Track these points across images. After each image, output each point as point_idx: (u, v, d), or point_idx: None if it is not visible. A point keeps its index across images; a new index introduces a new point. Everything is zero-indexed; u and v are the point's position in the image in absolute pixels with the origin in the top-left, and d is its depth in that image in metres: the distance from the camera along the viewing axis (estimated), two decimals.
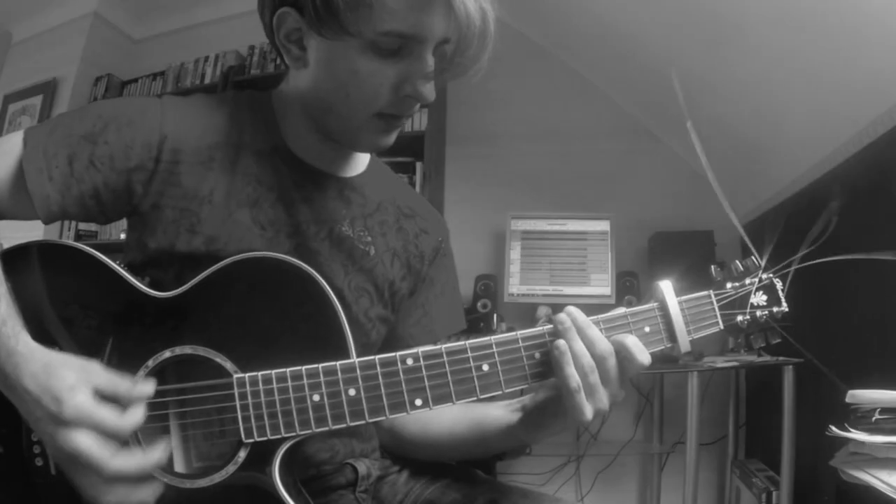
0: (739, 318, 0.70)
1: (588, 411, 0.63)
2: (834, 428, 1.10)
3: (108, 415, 0.56)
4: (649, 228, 2.43)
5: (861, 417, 1.12)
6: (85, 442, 0.54)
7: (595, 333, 0.64)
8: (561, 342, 0.63)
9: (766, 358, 1.80)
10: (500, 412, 0.76)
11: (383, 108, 0.71)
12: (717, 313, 0.70)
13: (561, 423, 0.68)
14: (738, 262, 0.72)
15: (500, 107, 2.77)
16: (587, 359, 0.63)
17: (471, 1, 0.64)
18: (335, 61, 0.69)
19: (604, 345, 0.64)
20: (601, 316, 0.66)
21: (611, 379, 0.64)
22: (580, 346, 0.63)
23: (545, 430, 0.71)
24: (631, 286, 2.33)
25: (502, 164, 2.74)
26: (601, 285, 2.35)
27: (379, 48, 0.66)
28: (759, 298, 0.71)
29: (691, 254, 2.19)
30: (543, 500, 0.73)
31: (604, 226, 2.41)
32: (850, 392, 1.16)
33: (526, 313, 2.43)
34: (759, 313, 0.71)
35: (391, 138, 0.77)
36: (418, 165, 2.59)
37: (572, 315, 0.65)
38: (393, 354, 0.63)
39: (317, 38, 0.68)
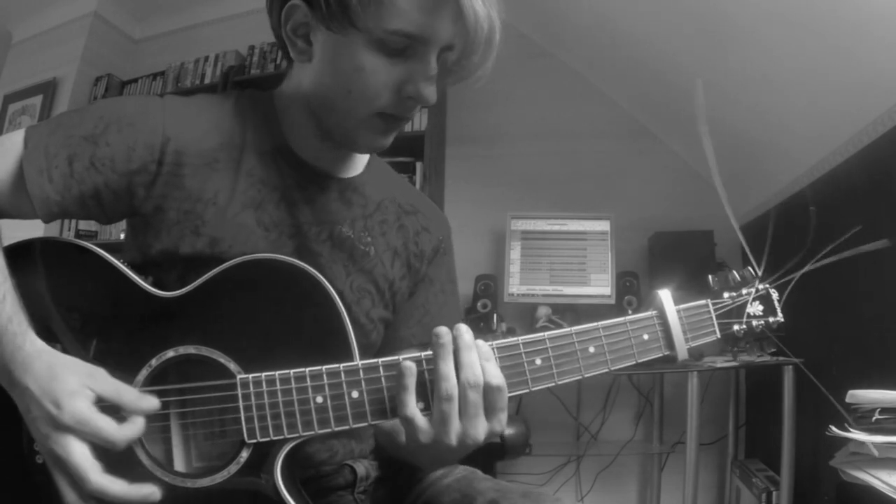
0: (736, 327, 0.71)
1: (425, 436, 0.58)
2: (834, 428, 1.11)
3: (105, 424, 0.56)
4: (649, 228, 2.43)
5: (861, 417, 1.12)
6: (77, 450, 0.55)
7: (469, 359, 0.59)
8: (407, 363, 0.59)
9: (767, 358, 1.80)
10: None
11: (384, 108, 0.71)
12: (715, 322, 0.71)
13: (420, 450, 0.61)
14: (735, 271, 0.73)
15: (500, 107, 2.77)
16: (448, 383, 0.58)
17: (481, 8, 0.65)
18: (340, 56, 0.69)
19: (472, 373, 0.58)
20: (498, 342, 0.62)
21: (471, 415, 0.58)
22: (446, 368, 0.58)
23: (412, 453, 0.65)
24: (631, 286, 2.33)
25: (502, 164, 2.74)
26: (601, 285, 2.35)
27: (385, 46, 0.67)
28: (756, 308, 0.72)
29: (691, 254, 2.19)
30: (543, 500, 0.72)
31: (604, 226, 2.41)
32: (850, 392, 1.16)
33: (526, 313, 2.43)
34: (754, 323, 0.72)
35: (388, 139, 0.77)
36: (418, 165, 2.59)
37: (457, 331, 0.60)
38: (396, 357, 0.63)
39: (324, 33, 0.68)
